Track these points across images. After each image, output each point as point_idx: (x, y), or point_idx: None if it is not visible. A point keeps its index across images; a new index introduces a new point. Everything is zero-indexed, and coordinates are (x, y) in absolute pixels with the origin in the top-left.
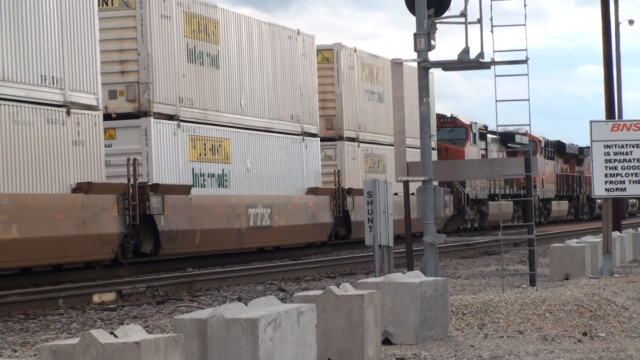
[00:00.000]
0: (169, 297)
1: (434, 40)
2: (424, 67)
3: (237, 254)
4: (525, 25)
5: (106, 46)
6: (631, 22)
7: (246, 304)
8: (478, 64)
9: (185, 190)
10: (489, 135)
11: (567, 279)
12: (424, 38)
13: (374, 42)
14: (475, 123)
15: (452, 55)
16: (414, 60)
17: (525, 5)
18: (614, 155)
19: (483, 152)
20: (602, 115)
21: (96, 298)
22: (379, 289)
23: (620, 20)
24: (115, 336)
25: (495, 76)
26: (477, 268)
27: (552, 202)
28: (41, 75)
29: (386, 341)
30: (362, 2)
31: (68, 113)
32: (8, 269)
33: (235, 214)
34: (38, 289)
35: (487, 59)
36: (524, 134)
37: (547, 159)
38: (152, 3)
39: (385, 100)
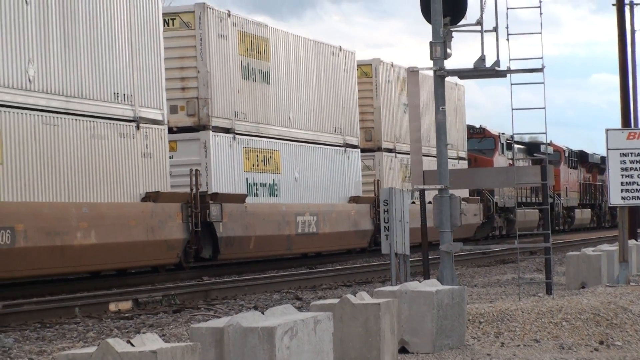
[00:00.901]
0: (186, 305)
1: (450, 48)
2: (440, 75)
3: (287, 259)
4: (541, 33)
5: (168, 64)
6: None
7: (263, 313)
8: (494, 72)
9: (241, 199)
10: (515, 146)
11: (583, 287)
12: (440, 46)
13: (388, 51)
14: (503, 134)
15: (466, 63)
16: (430, 68)
17: (541, 14)
18: (630, 163)
19: (510, 161)
20: (617, 124)
21: (112, 307)
22: (395, 298)
23: (635, 28)
24: (132, 345)
25: (512, 84)
26: (494, 276)
27: (576, 210)
28: (114, 93)
29: (402, 350)
30: (376, 10)
31: (137, 127)
32: (88, 272)
33: (285, 221)
34: (54, 298)
35: (502, 67)
36: (549, 144)
37: (571, 168)
38: (210, 23)
39: (420, 111)
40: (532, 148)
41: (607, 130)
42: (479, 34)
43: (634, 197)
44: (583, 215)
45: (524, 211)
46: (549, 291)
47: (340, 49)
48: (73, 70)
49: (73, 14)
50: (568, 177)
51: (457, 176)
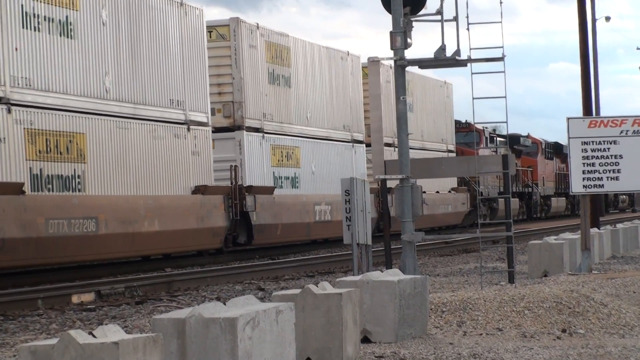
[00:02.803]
0: (148, 297)
1: (410, 38)
2: (401, 65)
3: (305, 244)
4: (501, 22)
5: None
6: (608, 18)
7: (225, 304)
8: (455, 61)
9: (270, 190)
10: (497, 139)
11: (545, 275)
12: (400, 36)
13: (344, 42)
14: (486, 128)
15: (425, 54)
16: (391, 58)
17: (501, 3)
18: (592, 152)
19: (494, 153)
20: (576, 112)
21: (75, 299)
22: (357, 288)
23: (596, 17)
24: (94, 336)
25: (472, 74)
26: (456, 266)
27: (552, 198)
28: (169, 100)
29: (365, 339)
30: (332, 2)
31: (188, 129)
32: (153, 255)
33: (305, 210)
34: (17, 290)
35: (463, 56)
36: (527, 137)
37: (547, 159)
38: (243, 35)
39: (414, 109)
40: (512, 140)
41: (568, 118)
42: (439, 23)
43: (595, 186)
44: (559, 203)
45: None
46: (511, 280)
47: (348, 54)
48: (138, 81)
49: (138, 33)
50: (545, 168)
51: (419, 166)
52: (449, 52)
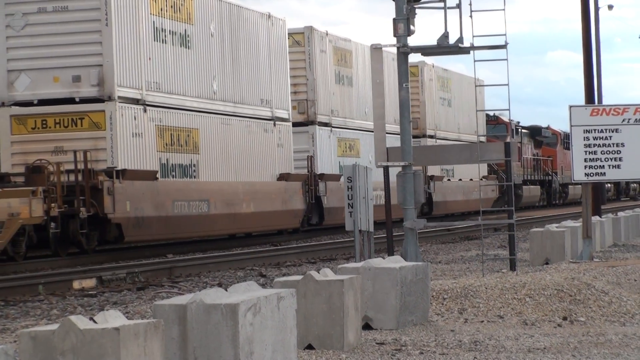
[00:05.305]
0: (150, 283)
1: (413, 25)
2: (404, 52)
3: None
4: (504, 10)
5: None
6: (610, 7)
7: (226, 290)
8: (457, 48)
9: (337, 178)
10: (521, 131)
11: (547, 263)
12: (403, 23)
13: (343, 28)
14: (512, 120)
15: (431, 40)
16: (394, 45)
17: None
18: (594, 140)
19: (519, 144)
20: (576, 101)
21: (76, 284)
22: (359, 274)
23: (599, 5)
24: (95, 322)
25: (475, 61)
26: (458, 253)
27: (570, 186)
28: (260, 99)
29: (366, 326)
30: None
31: (274, 124)
32: (247, 232)
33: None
34: (18, 276)
35: (466, 44)
36: (547, 128)
37: (565, 149)
38: (315, 42)
39: (452, 104)
40: (534, 132)
41: (570, 107)
42: (443, 10)
43: (597, 174)
44: (576, 190)
45: (529, 187)
46: (512, 267)
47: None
48: (237, 83)
49: (237, 42)
50: (564, 157)
51: (422, 153)
52: (452, 40)
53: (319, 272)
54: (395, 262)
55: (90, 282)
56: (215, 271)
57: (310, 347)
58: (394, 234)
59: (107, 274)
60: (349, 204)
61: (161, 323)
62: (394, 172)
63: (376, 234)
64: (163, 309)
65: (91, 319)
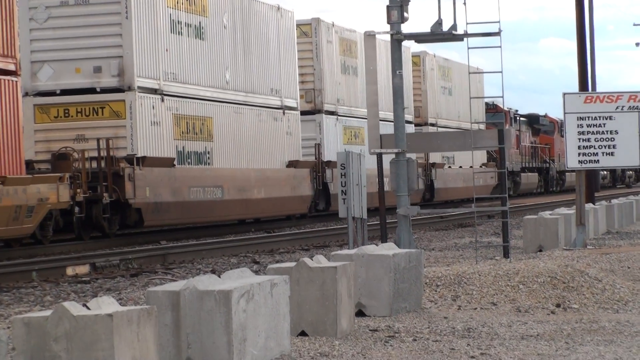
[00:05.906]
0: (143, 269)
1: (407, 12)
2: (397, 39)
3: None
4: None
5: None
6: None
7: (220, 277)
8: (451, 36)
9: None
10: (519, 119)
11: (540, 250)
12: (397, 10)
13: (334, 15)
14: (510, 109)
15: (425, 28)
16: (387, 32)
17: None
18: (587, 127)
19: (517, 132)
20: (569, 88)
21: (70, 271)
22: (352, 261)
23: None
24: (88, 308)
25: (469, 48)
26: (451, 240)
27: (567, 173)
28: (270, 89)
29: (360, 313)
30: None
31: (283, 113)
32: (257, 217)
33: (370, 182)
34: (11, 262)
35: (460, 31)
36: (544, 116)
37: (562, 137)
38: (322, 33)
39: (453, 93)
40: (531, 120)
41: (564, 94)
42: None
43: (590, 161)
44: (572, 177)
45: (527, 174)
46: (506, 255)
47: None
48: (249, 73)
49: (248, 33)
50: (561, 145)
51: (415, 140)
52: (445, 27)
53: (312, 259)
54: (388, 249)
55: (83, 269)
56: (209, 258)
57: (303, 333)
58: (387, 221)
59: (100, 260)
60: (342, 190)
61: (154, 309)
62: (387, 159)
63: (370, 221)
64: (156, 295)
65: (84, 305)
